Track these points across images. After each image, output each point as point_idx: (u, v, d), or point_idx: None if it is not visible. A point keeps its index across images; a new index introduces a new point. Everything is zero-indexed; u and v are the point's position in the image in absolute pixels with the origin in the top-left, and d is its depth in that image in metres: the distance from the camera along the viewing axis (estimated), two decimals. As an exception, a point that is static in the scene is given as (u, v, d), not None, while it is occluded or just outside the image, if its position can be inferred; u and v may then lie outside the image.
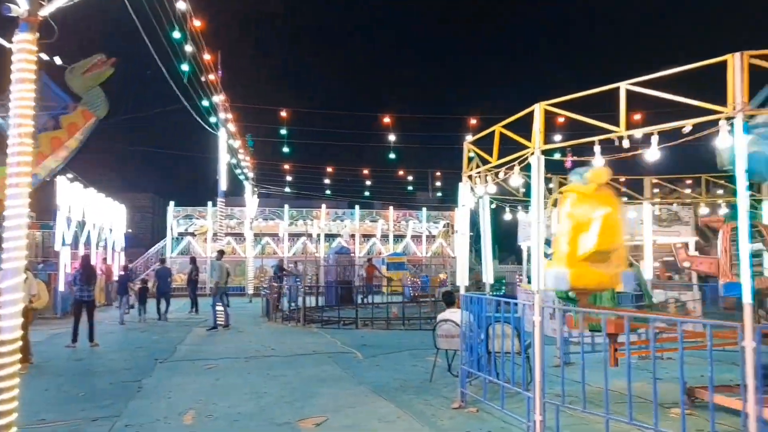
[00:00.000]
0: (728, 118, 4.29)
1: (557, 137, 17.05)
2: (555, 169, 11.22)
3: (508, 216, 13.15)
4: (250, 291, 28.01)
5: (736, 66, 4.22)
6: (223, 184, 19.51)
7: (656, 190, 13.17)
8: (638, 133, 5.09)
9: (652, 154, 4.97)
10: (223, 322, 14.81)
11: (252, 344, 12.11)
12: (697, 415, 6.19)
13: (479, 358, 7.21)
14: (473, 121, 20.71)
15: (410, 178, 33.90)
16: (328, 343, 12.16)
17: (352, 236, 32.84)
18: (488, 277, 9.21)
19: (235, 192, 31.18)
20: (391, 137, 23.17)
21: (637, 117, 15.83)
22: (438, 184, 35.95)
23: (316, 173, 31.46)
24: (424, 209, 34.77)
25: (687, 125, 4.57)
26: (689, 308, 12.70)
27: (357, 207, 33.80)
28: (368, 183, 33.18)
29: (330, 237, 32.81)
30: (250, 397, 7.43)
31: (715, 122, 4.46)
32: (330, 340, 12.66)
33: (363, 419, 6.36)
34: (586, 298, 6.89)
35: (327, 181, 31.47)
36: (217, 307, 14.88)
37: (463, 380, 6.96)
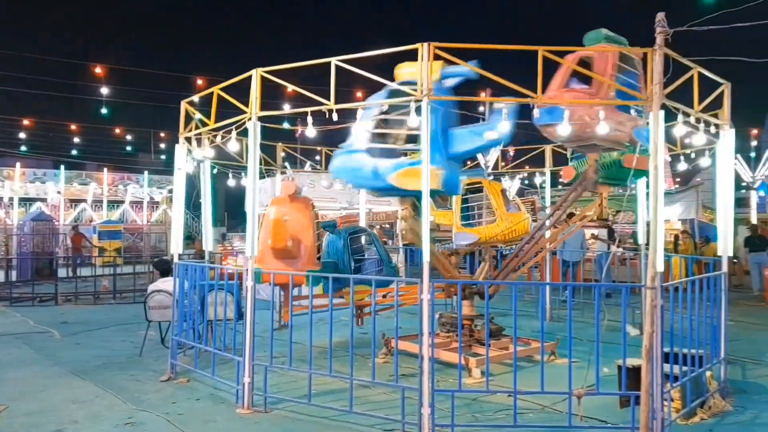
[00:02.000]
0: (417, 101, 4.84)
1: (286, 106, 17.34)
2: (283, 137, 11.40)
3: (234, 182, 12.94)
4: None
5: (424, 54, 4.77)
6: None
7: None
8: (348, 107, 5.44)
9: (357, 128, 5.37)
10: None
11: None
12: (391, 362, 7.02)
13: (194, 328, 7.04)
14: (200, 81, 19.67)
15: (130, 137, 30.93)
16: (18, 323, 10.53)
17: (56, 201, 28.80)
18: (208, 244, 9.01)
19: None
20: (105, 90, 20.70)
21: (359, 94, 17.04)
22: (163, 146, 33.58)
23: (8, 125, 26.51)
24: (146, 173, 32.21)
25: (385, 104, 5.03)
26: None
27: (63, 167, 29.62)
28: (77, 140, 29.29)
29: (27, 201, 28.25)
30: None
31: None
32: (21, 319, 10.97)
33: (54, 403, 5.69)
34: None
35: (23, 135, 26.79)
36: None
37: (174, 351, 6.71)
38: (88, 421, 5.21)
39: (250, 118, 5.76)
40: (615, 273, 12.68)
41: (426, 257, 4.84)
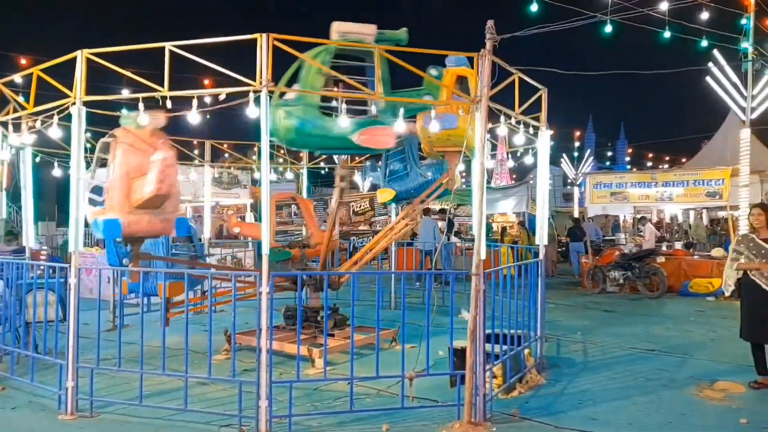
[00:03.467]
0: (256, 92, 4.79)
1: (125, 90, 16.12)
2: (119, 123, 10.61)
3: (60, 172, 11.84)
4: None
5: (264, 45, 4.74)
6: None
7: (227, 155, 13.98)
8: (182, 95, 5.22)
9: (193, 116, 5.19)
10: None
11: None
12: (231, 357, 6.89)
13: (12, 331, 6.37)
14: (24, 61, 17.64)
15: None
16: None
17: None
18: (29, 240, 8.15)
19: None
20: None
21: (207, 82, 16.38)
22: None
23: None
24: (-42, 160, 28.24)
25: (222, 93, 4.93)
26: (245, 264, 14.03)
27: None
28: None
29: None
30: None
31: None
32: None
33: None
34: (139, 247, 6.74)
35: None
36: None
37: (-14, 358, 6.03)
38: None
39: (74, 103, 5.32)
40: (454, 261, 13.53)
41: (265, 250, 4.83)
